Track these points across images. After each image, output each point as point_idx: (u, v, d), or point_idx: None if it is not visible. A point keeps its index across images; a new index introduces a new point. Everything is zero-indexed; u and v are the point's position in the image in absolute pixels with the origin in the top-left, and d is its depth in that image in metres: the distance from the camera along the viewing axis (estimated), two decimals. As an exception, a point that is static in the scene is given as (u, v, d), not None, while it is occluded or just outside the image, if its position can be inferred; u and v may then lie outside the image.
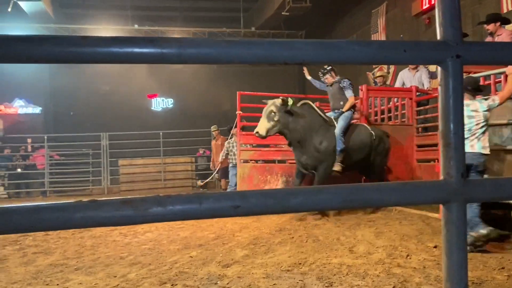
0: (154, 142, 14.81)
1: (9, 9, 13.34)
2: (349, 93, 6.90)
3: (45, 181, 14.37)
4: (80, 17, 16.23)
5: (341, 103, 6.93)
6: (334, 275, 3.67)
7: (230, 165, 9.75)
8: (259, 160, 8.52)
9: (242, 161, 8.24)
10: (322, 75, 7.17)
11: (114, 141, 14.86)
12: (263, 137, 6.68)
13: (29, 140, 15.22)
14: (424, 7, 11.67)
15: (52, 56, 0.87)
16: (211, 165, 12.16)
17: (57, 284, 4.02)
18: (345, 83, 6.91)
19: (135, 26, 15.95)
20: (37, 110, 17.11)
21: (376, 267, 3.83)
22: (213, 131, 11.74)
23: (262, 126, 6.59)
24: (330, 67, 7.06)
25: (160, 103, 18.06)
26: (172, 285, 3.70)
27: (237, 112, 8.38)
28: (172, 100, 17.96)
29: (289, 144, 6.95)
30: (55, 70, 16.89)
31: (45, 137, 14.59)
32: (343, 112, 6.85)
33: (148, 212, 0.87)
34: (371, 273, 3.68)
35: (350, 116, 6.87)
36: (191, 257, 4.72)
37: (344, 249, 4.58)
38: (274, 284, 3.51)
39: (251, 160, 8.38)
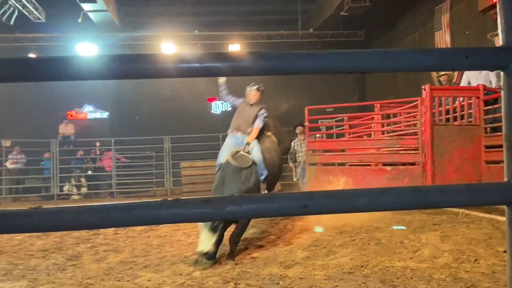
0: (213, 145, 15.14)
1: (80, 20, 14.21)
2: (258, 123, 6.11)
3: (112, 182, 15.11)
4: (143, 25, 16.91)
5: (249, 130, 6.10)
6: (398, 278, 3.63)
7: (296, 163, 10.71)
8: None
9: (309, 164, 9.54)
10: (252, 87, 6.31)
11: (176, 144, 15.35)
12: None
13: (97, 144, 16.07)
14: (494, 0, 11.14)
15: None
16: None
17: (128, 281, 4.26)
18: (263, 112, 6.13)
19: (195, 32, 16.42)
20: (105, 115, 18.02)
21: (442, 271, 3.75)
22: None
23: None
24: (263, 88, 6.39)
25: (219, 106, 18.43)
26: (235, 284, 3.82)
27: (305, 124, 9.81)
28: (229, 103, 18.32)
29: None
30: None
31: (112, 141, 15.36)
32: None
33: (225, 210, 0.96)
34: (437, 277, 3.60)
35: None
36: (252, 257, 4.83)
37: (408, 253, 4.50)
38: (336, 286, 3.53)
39: (317, 164, 9.56)
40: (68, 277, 4.46)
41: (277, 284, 3.72)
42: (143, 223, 0.96)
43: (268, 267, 4.30)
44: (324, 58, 1.04)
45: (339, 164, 9.16)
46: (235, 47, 15.68)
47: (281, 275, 3.95)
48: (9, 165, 14.43)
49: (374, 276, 3.73)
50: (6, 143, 14.42)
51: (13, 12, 12.72)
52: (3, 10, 12.47)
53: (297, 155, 10.71)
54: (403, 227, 5.83)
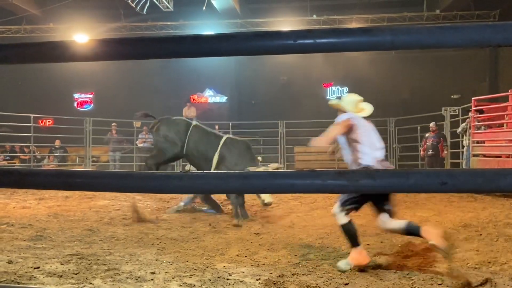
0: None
1: (204, 8, 14.95)
2: None
3: (229, 164, 15.81)
4: (263, 11, 17.25)
5: None
6: (531, 278, 3.33)
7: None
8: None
9: (473, 155, 9.61)
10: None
11: (290, 128, 15.54)
12: None
13: (216, 127, 16.87)
14: None
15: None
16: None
17: (245, 256, 4.46)
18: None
19: (313, 16, 16.34)
20: (224, 99, 18.81)
21: None
22: None
23: None
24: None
25: (335, 92, 18.19)
26: (350, 271, 3.79)
27: (471, 115, 9.84)
28: (347, 88, 17.95)
29: None
30: (240, 62, 18.30)
31: (230, 124, 16.02)
32: None
33: (359, 183, 0.97)
34: None
35: None
36: (368, 244, 4.75)
37: (544, 253, 4.09)
38: (460, 280, 3.35)
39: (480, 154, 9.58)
40: (192, 249, 4.80)
41: (395, 273, 3.63)
42: (279, 191, 1.01)
43: (384, 256, 4.21)
44: (469, 30, 0.98)
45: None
46: (353, 31, 15.28)
47: (398, 264, 3.85)
48: (139, 143, 15.80)
49: (503, 273, 3.46)
50: (137, 124, 15.77)
51: (146, 2, 13.81)
52: (137, 0, 13.61)
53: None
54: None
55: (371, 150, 3.83)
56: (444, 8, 15.63)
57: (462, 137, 10.81)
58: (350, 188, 0.98)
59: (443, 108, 13.32)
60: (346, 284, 3.39)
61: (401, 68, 16.85)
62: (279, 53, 1.06)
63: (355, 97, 4.29)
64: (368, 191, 0.98)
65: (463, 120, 11.05)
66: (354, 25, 15.67)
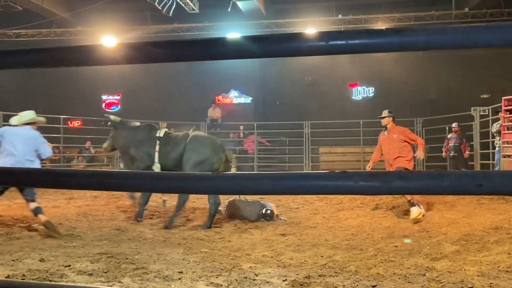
0: (354, 131, 14.91)
1: (229, 9, 15.01)
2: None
3: (254, 165, 15.83)
4: (288, 12, 17.20)
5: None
6: None
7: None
8: None
9: (503, 156, 9.42)
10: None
11: (315, 129, 15.46)
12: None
13: (241, 127, 16.92)
14: None
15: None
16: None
17: (271, 257, 4.46)
18: None
19: (339, 16, 16.20)
20: (248, 100, 18.84)
21: None
22: None
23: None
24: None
25: (361, 92, 18.00)
26: (378, 273, 3.75)
27: (500, 115, 9.64)
28: (372, 88, 17.75)
29: None
30: (264, 63, 18.30)
31: (255, 125, 16.04)
32: None
33: (392, 184, 0.96)
34: None
35: None
36: (396, 246, 4.69)
37: None
38: (491, 283, 3.27)
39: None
40: (218, 249, 4.83)
41: (423, 275, 3.57)
42: (310, 192, 1.01)
43: (413, 258, 4.15)
44: (506, 29, 0.96)
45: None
46: (379, 31, 15.08)
47: (427, 267, 3.79)
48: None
49: (536, 278, 3.37)
50: (163, 125, 15.96)
51: (172, 4, 13.96)
52: (163, 2, 13.77)
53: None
54: None
55: None
56: (473, 6, 15.28)
57: (494, 138, 10.57)
58: (382, 191, 0.97)
59: (472, 108, 13.02)
60: (373, 286, 3.36)
61: (429, 67, 16.55)
62: (311, 55, 1.06)
63: None
64: (401, 193, 0.97)
65: (494, 120, 10.79)
66: (380, 24, 15.47)
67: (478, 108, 12.79)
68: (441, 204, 7.43)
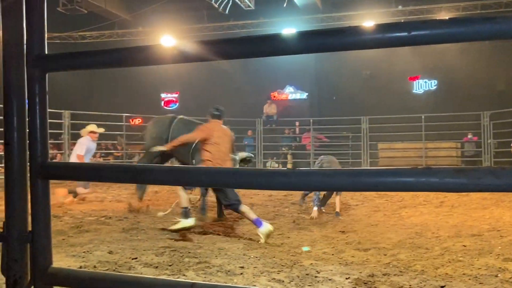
0: (415, 126, 14.43)
1: (285, 5, 14.97)
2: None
3: (310, 161, 15.71)
4: (345, 5, 16.87)
5: None
6: None
7: None
8: None
9: None
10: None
11: (374, 124, 15.11)
12: None
13: (297, 123, 16.84)
14: None
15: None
16: None
17: (332, 254, 4.40)
18: None
19: (398, 7, 15.70)
20: (304, 95, 18.69)
21: None
22: None
23: None
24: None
25: (422, 85, 17.33)
26: (446, 273, 3.60)
27: None
28: (435, 81, 17.02)
29: None
30: (320, 57, 18.06)
31: (311, 121, 15.91)
32: None
33: (481, 181, 0.90)
34: None
35: None
36: (464, 246, 4.49)
37: None
38: None
39: None
40: (277, 245, 4.84)
41: (495, 276, 3.39)
42: (391, 189, 0.97)
43: (483, 258, 3.95)
44: None
45: None
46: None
47: (499, 268, 3.59)
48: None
49: None
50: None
51: (228, 2, 14.10)
52: (220, 0, 13.94)
53: None
54: None
55: None
56: (545, -9, 14.32)
57: None
58: (470, 187, 0.91)
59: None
60: (442, 287, 3.23)
61: (497, 57, 15.64)
62: (392, 46, 1.02)
63: None
64: (490, 191, 0.91)
65: None
66: (443, 14, 14.82)
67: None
68: (493, 199, 7.03)
